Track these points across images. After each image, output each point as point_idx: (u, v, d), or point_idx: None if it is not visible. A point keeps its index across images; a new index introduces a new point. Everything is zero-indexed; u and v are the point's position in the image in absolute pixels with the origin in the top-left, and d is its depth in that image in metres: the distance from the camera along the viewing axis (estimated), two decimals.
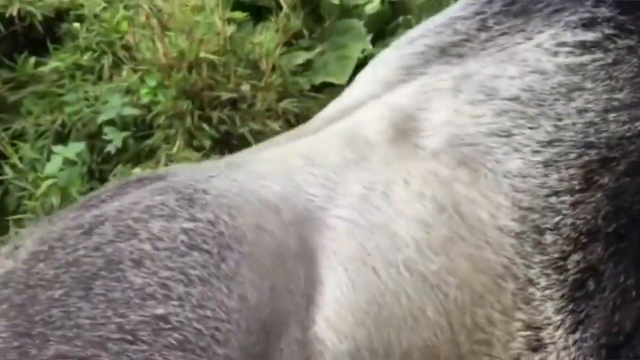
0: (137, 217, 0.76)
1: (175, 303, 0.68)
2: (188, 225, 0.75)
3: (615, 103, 0.82)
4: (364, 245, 0.80)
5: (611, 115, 0.81)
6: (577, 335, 0.75)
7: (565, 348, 0.76)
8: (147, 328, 0.65)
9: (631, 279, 0.74)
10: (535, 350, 0.77)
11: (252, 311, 0.70)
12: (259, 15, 2.97)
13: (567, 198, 0.78)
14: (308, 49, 3.00)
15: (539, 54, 0.88)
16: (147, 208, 0.77)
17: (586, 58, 0.86)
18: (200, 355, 0.66)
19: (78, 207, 0.82)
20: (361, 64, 2.91)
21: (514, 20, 0.93)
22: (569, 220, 0.77)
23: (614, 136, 0.80)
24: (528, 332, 0.77)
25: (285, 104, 2.58)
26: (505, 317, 0.77)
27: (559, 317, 0.76)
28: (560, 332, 0.76)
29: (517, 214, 0.79)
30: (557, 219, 0.78)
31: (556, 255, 0.77)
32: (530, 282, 0.78)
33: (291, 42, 3.09)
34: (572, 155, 0.80)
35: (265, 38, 2.69)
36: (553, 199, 0.78)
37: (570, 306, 0.76)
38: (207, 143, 2.28)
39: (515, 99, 0.85)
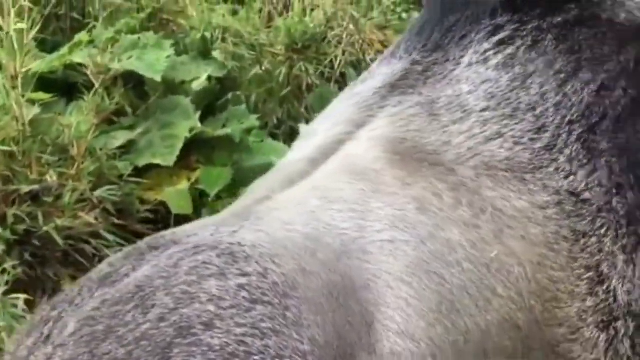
0: (189, 281, 0.77)
1: (257, 358, 0.72)
2: (242, 280, 0.78)
3: (562, 76, 0.95)
4: (418, 256, 0.86)
5: (567, 89, 0.95)
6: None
7: (626, 262, 0.89)
8: None
9: None
10: (601, 283, 0.89)
11: (323, 350, 0.75)
12: (70, 94, 2.62)
13: (582, 171, 0.92)
14: (130, 128, 2.67)
15: (474, 68, 1.01)
16: (193, 269, 0.79)
17: (511, 49, 0.98)
18: None
19: (95, 285, 0.82)
20: (189, 143, 2.62)
21: (435, 54, 1.07)
22: (595, 181, 0.91)
23: (583, 105, 0.94)
24: (590, 273, 0.90)
25: (101, 192, 2.22)
26: (565, 273, 0.89)
27: (618, 245, 0.90)
28: (621, 256, 0.90)
29: (547, 191, 0.92)
30: (583, 183, 0.92)
31: (600, 204, 0.91)
32: (583, 234, 0.91)
33: (113, 121, 2.75)
34: (564, 135, 0.94)
35: (77, 119, 2.33)
36: (571, 177, 0.92)
37: (626, 230, 0.90)
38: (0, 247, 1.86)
39: (487, 108, 0.98)
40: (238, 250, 0.81)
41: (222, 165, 2.66)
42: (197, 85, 2.80)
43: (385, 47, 3.77)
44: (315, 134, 1.13)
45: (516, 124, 0.96)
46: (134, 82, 2.82)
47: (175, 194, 2.45)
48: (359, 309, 0.81)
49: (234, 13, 3.80)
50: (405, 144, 1.00)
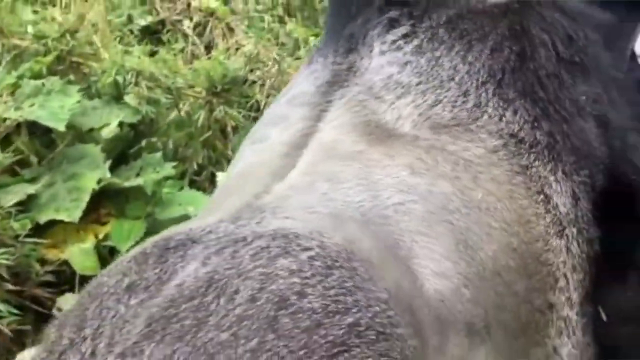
0: (260, 264, 0.83)
1: (354, 310, 0.80)
2: (309, 253, 0.85)
3: (462, 53, 1.16)
4: (426, 210, 1.02)
5: (469, 60, 1.16)
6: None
7: (556, 181, 1.14)
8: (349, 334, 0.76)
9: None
10: (548, 202, 1.12)
11: (395, 298, 0.87)
12: None
13: (508, 116, 1.14)
14: (32, 180, 2.44)
15: (389, 55, 1.18)
16: (256, 255, 0.84)
17: (416, 41, 1.17)
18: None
19: (123, 294, 0.84)
20: (98, 195, 2.41)
21: (350, 56, 1.24)
22: (520, 122, 1.13)
23: (485, 68, 1.15)
24: (541, 196, 1.12)
25: None
26: (527, 200, 1.11)
27: (547, 169, 1.13)
28: (551, 177, 1.13)
29: (493, 137, 1.12)
30: (516, 125, 1.14)
31: (530, 139, 1.12)
32: (526, 167, 1.13)
33: (17, 173, 2.52)
34: (483, 94, 1.14)
35: None
36: (503, 123, 1.13)
37: (548, 156, 1.13)
38: None
39: (420, 82, 1.16)
40: (286, 233, 0.88)
41: (134, 218, 2.46)
42: (108, 132, 2.60)
43: None
44: (264, 139, 1.23)
45: (446, 91, 1.16)
46: (40, 129, 2.61)
47: (79, 252, 2.24)
48: (400, 263, 0.93)
49: (153, 54, 3.65)
50: (370, 126, 1.14)
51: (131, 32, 3.66)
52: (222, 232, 0.91)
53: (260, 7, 4.27)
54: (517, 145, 1.15)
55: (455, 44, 1.19)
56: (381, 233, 0.97)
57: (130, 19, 3.72)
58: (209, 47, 3.93)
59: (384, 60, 1.21)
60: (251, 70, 3.47)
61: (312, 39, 4.33)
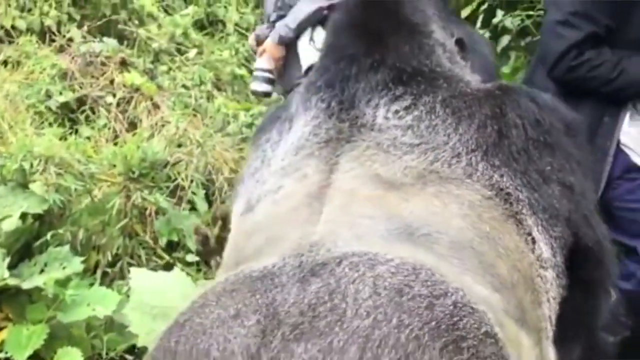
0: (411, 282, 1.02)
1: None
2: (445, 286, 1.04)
3: (454, 125, 1.37)
4: (452, 240, 1.21)
5: (460, 131, 1.37)
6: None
7: (538, 231, 1.33)
8: (455, 308, 1.00)
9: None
10: (533, 242, 1.32)
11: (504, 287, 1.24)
12: None
13: (496, 177, 1.33)
14: None
15: (392, 121, 1.39)
16: (406, 277, 1.02)
17: (417, 112, 1.39)
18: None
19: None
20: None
21: (352, 112, 1.42)
22: (506, 182, 1.33)
23: (473, 139, 1.36)
24: (529, 237, 1.31)
25: None
26: (520, 237, 1.30)
27: (531, 220, 1.32)
28: (535, 227, 1.33)
29: (487, 188, 1.31)
30: (502, 183, 1.34)
31: (515, 195, 1.33)
32: (516, 213, 1.32)
33: None
34: (473, 158, 1.34)
35: None
36: (493, 180, 1.33)
37: (530, 210, 1.34)
38: None
39: (420, 143, 1.35)
40: (366, 252, 1.05)
41: (35, 323, 2.19)
42: (9, 224, 2.34)
43: (239, 166, 3.48)
44: (279, 189, 1.35)
45: (443, 152, 1.33)
46: None
47: None
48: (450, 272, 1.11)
49: (70, 133, 3.41)
50: (381, 175, 1.29)
51: (48, 109, 3.44)
52: (297, 263, 1.05)
53: (188, 83, 4.11)
54: (507, 197, 1.33)
55: (448, 118, 1.37)
56: (426, 254, 1.13)
57: (48, 95, 3.50)
58: (133, 124, 3.73)
59: (389, 124, 1.38)
60: (178, 146, 3.29)
61: (242, 113, 4.18)
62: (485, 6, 4.02)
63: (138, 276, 2.26)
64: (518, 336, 1.14)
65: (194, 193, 3.34)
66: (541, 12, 3.77)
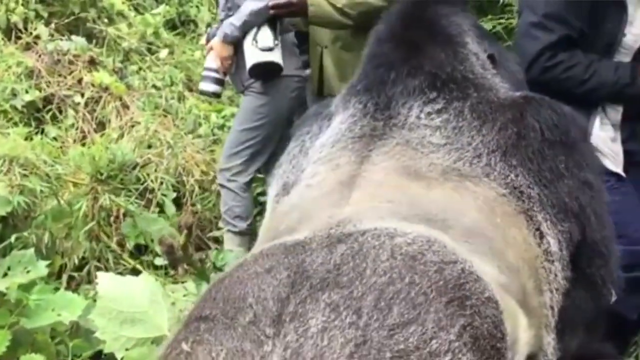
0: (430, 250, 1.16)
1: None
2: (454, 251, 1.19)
3: (478, 127, 1.51)
4: (466, 227, 1.32)
5: (483, 133, 1.50)
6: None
7: (547, 227, 1.45)
8: (464, 274, 1.13)
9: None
10: (542, 237, 1.43)
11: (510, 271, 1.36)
12: None
13: (512, 176, 1.48)
14: None
15: (423, 121, 1.53)
16: (421, 246, 1.15)
17: (445, 115, 1.53)
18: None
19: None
20: None
21: (386, 112, 1.56)
22: (521, 181, 1.46)
23: (494, 141, 1.50)
24: (538, 232, 1.43)
25: None
26: (529, 231, 1.42)
27: (540, 216, 1.44)
28: (544, 222, 1.44)
29: (502, 186, 1.44)
30: (517, 182, 1.47)
31: (528, 192, 1.46)
32: (527, 209, 1.45)
33: None
34: (492, 158, 1.47)
35: None
36: (509, 179, 1.46)
37: (540, 207, 1.46)
38: None
39: (446, 144, 1.49)
40: (386, 227, 1.18)
41: None
42: None
43: (210, 168, 3.42)
44: (315, 175, 1.50)
45: (466, 152, 1.45)
46: None
47: None
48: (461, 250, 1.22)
49: (36, 133, 3.31)
50: (409, 168, 1.40)
51: (14, 108, 3.33)
52: (327, 234, 1.19)
53: (159, 83, 4.02)
54: (520, 194, 1.44)
55: (474, 121, 1.51)
56: (442, 234, 1.22)
57: (13, 94, 3.39)
58: (101, 124, 3.64)
59: (420, 123, 1.51)
60: (148, 147, 3.21)
61: (213, 115, 4.11)
62: None
63: (105, 281, 2.18)
64: (516, 313, 1.22)
65: (164, 195, 3.27)
66: (511, 18, 3.80)
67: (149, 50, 4.39)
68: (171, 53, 4.48)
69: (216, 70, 3.11)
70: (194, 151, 3.46)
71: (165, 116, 3.74)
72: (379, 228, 1.17)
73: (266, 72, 3.04)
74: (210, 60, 3.13)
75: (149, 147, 3.35)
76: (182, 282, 2.94)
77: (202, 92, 3.29)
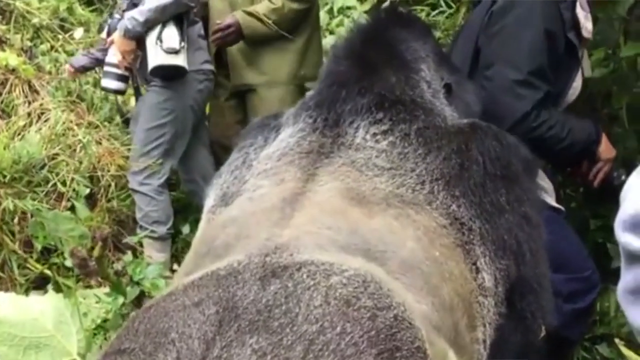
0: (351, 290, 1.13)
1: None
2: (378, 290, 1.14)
3: (422, 155, 1.48)
4: (402, 260, 1.29)
5: (427, 161, 1.48)
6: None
7: (485, 262, 1.43)
8: (396, 321, 1.09)
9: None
10: (477, 272, 1.41)
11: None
12: None
13: (454, 207, 1.44)
14: None
15: (370, 143, 1.50)
16: (349, 281, 1.12)
17: (391, 138, 1.50)
18: None
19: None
20: None
21: (335, 130, 1.54)
22: (462, 212, 1.44)
23: (438, 170, 1.47)
24: (474, 266, 1.41)
25: None
26: (466, 265, 1.40)
27: (479, 250, 1.43)
28: (482, 258, 1.43)
29: (443, 216, 1.41)
30: (458, 213, 1.44)
31: (469, 225, 1.43)
32: (466, 242, 1.42)
33: None
34: (435, 186, 1.45)
35: None
36: (451, 209, 1.44)
37: (480, 240, 1.44)
38: None
39: (391, 167, 1.46)
40: (324, 261, 1.15)
41: None
42: None
43: (123, 169, 3.16)
44: (257, 188, 1.47)
45: (409, 179, 1.44)
46: None
47: None
48: (396, 288, 1.20)
49: None
50: (352, 191, 1.40)
51: None
52: (261, 263, 1.14)
53: None
54: (460, 226, 1.42)
55: (419, 148, 1.48)
56: (378, 268, 1.20)
57: None
58: (6, 112, 3.28)
59: (366, 144, 1.49)
60: (59, 138, 2.90)
61: (133, 100, 3.81)
62: (386, 4, 3.95)
63: (4, 304, 1.94)
64: (447, 355, 1.22)
65: (75, 192, 3.00)
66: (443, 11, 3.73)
67: (61, 28, 4.02)
68: (87, 31, 4.11)
69: (117, 66, 2.89)
70: (110, 143, 3.18)
71: (79, 103, 3.42)
72: (316, 262, 1.14)
73: (170, 73, 2.84)
74: (111, 55, 2.89)
75: (61, 136, 3.06)
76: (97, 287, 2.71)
77: (104, 89, 3.06)
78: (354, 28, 1.75)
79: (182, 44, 2.76)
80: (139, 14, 2.75)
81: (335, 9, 4.18)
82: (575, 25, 1.98)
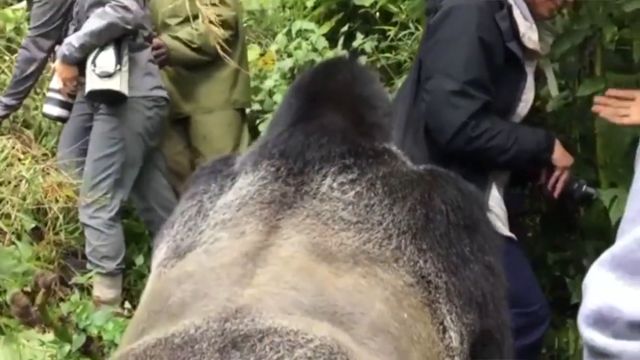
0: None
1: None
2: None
3: (389, 205, 1.42)
4: (370, 322, 1.22)
5: (394, 212, 1.42)
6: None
7: (452, 320, 1.39)
8: None
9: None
10: (444, 331, 1.37)
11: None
12: None
13: (421, 262, 1.40)
14: None
15: (336, 193, 1.43)
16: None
17: (358, 188, 1.43)
18: None
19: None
20: None
21: (300, 177, 1.45)
22: (429, 268, 1.39)
23: (404, 222, 1.41)
24: (441, 326, 1.37)
25: None
26: (433, 326, 1.35)
27: (446, 308, 1.38)
28: (448, 316, 1.38)
29: (410, 274, 1.36)
30: (425, 270, 1.38)
31: (436, 282, 1.39)
32: (432, 301, 1.37)
33: None
34: (403, 240, 1.40)
35: None
36: (418, 266, 1.39)
37: (447, 298, 1.39)
38: None
39: (358, 222, 1.39)
40: (290, 330, 1.07)
41: None
42: None
43: (72, 200, 3.01)
44: (215, 241, 1.38)
45: (376, 233, 1.39)
46: None
47: None
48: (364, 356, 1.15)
49: None
50: (319, 247, 1.33)
51: None
52: (220, 331, 1.06)
53: None
54: (427, 285, 1.38)
55: (385, 198, 1.43)
56: (344, 334, 1.14)
57: None
58: None
59: (333, 195, 1.43)
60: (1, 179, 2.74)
61: None
62: (345, 28, 3.91)
63: None
64: None
65: (21, 225, 2.85)
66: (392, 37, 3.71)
67: (8, 49, 3.86)
68: None
69: (59, 92, 2.80)
70: (58, 173, 3.03)
71: (25, 130, 3.27)
72: (280, 332, 1.07)
73: (108, 99, 2.75)
74: (54, 81, 2.81)
75: (8, 166, 2.90)
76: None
77: (46, 116, 2.97)
78: (316, 68, 1.70)
79: (118, 67, 2.66)
80: (75, 39, 2.68)
81: (293, 32, 4.11)
82: (516, 35, 1.95)
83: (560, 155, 2.04)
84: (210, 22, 2.84)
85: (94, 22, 2.64)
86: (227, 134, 3.27)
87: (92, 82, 2.66)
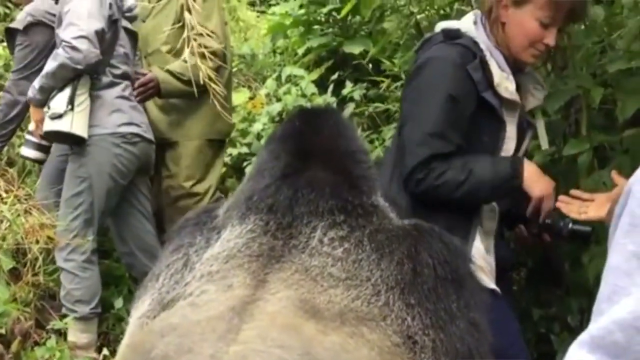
0: None
1: None
2: None
3: (376, 260, 1.43)
4: None
5: (382, 267, 1.42)
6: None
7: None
8: None
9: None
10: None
11: None
12: None
13: (408, 320, 1.38)
14: None
15: (326, 249, 1.42)
16: None
17: (347, 245, 1.43)
18: None
19: None
20: None
21: (288, 231, 1.45)
22: (416, 326, 1.38)
23: (392, 277, 1.41)
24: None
25: None
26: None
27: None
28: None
29: (397, 334, 1.35)
30: (412, 329, 1.38)
31: (422, 342, 1.37)
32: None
33: None
34: (391, 296, 1.39)
35: None
36: (405, 325, 1.38)
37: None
38: None
39: (347, 278, 1.39)
40: None
41: None
42: None
43: (53, 242, 2.97)
44: (201, 293, 1.36)
45: (365, 289, 1.38)
46: None
47: None
48: None
49: None
50: (306, 304, 1.32)
51: None
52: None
53: None
54: (413, 345, 1.37)
55: (372, 254, 1.43)
56: None
57: None
58: None
59: (322, 250, 1.42)
60: None
61: None
62: (335, 76, 3.93)
63: None
64: None
65: None
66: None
67: None
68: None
69: (33, 134, 2.83)
70: (40, 214, 2.98)
71: (7, 171, 3.23)
72: None
73: (62, 139, 2.75)
74: (31, 123, 2.84)
75: None
76: None
77: (23, 158, 2.99)
78: (301, 118, 1.67)
79: (69, 107, 2.64)
80: (37, 82, 2.69)
81: (283, 77, 4.13)
82: (490, 85, 1.95)
83: (533, 182, 1.95)
84: (201, 54, 2.93)
85: (49, 64, 2.65)
86: (201, 162, 3.31)
87: (45, 124, 2.67)
